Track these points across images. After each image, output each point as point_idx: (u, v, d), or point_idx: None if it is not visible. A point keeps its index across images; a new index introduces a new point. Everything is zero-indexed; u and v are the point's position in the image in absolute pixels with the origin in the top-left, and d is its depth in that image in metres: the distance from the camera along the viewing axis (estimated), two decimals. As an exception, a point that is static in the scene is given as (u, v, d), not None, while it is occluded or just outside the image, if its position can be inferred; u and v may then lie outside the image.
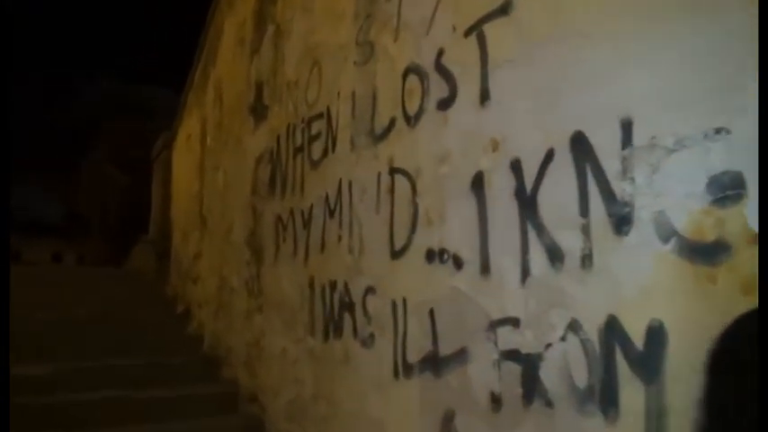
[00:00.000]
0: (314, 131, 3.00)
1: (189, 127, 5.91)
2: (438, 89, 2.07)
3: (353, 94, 2.65)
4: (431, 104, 2.10)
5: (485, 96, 1.83)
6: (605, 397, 1.33)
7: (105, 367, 3.78)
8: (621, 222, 1.33)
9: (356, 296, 2.44)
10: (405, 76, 2.27)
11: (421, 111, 2.15)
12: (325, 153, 2.87)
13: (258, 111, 3.82)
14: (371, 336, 2.30)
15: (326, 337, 2.66)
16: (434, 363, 1.92)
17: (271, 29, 3.80)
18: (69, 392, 3.46)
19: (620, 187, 1.35)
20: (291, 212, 3.18)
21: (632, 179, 1.32)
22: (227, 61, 4.77)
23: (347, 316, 2.50)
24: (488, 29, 1.86)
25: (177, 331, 4.75)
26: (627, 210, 1.32)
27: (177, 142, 6.49)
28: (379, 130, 2.42)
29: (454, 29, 2.01)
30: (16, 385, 3.42)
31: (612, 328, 1.33)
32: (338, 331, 2.56)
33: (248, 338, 3.57)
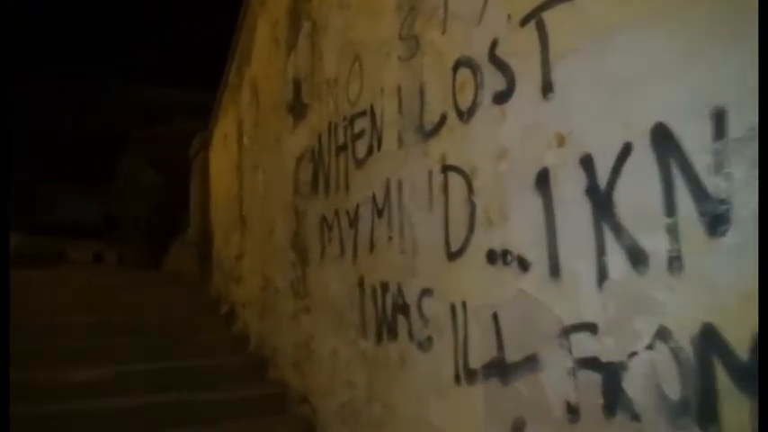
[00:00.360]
0: (357, 129, 2.94)
1: (225, 127, 5.91)
2: (493, 82, 1.97)
3: (399, 89, 2.57)
4: (486, 98, 2.01)
5: (547, 88, 1.73)
6: (703, 411, 1.23)
7: (152, 370, 3.81)
8: (717, 222, 1.23)
9: (411, 298, 2.37)
10: (455, 69, 2.18)
11: (475, 105, 2.06)
12: (370, 151, 2.80)
13: (297, 109, 3.77)
14: (429, 339, 2.23)
15: (380, 339, 2.61)
16: (501, 369, 1.84)
17: (306, 26, 3.74)
18: (117, 397, 3.49)
19: (713, 183, 1.24)
20: (336, 212, 3.13)
21: (728, 174, 1.21)
22: (261, 60, 4.74)
23: (401, 318, 2.44)
24: (548, 16, 1.75)
25: (222, 332, 4.78)
26: (723, 208, 1.22)
27: (214, 143, 6.51)
28: (428, 126, 2.34)
29: (509, 18, 1.91)
30: (65, 391, 3.49)
31: (709, 337, 1.23)
32: (392, 333, 2.50)
33: (296, 339, 3.54)
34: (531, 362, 1.72)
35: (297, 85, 3.81)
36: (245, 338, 4.45)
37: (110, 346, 4.11)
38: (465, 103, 2.11)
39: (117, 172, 19.96)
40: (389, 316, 2.54)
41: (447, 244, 2.17)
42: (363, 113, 2.87)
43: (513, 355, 1.80)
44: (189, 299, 5.68)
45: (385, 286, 2.59)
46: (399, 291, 2.47)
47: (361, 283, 2.81)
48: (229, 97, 5.72)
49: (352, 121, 3.00)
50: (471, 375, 1.97)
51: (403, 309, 2.43)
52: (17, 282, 5.81)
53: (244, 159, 5.02)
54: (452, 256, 2.14)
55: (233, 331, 4.72)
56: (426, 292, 2.28)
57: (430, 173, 2.29)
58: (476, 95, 2.06)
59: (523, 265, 1.79)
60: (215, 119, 6.36)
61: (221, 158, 6.09)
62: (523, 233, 1.81)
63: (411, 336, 2.36)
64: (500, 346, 1.85)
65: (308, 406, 3.30)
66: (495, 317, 1.88)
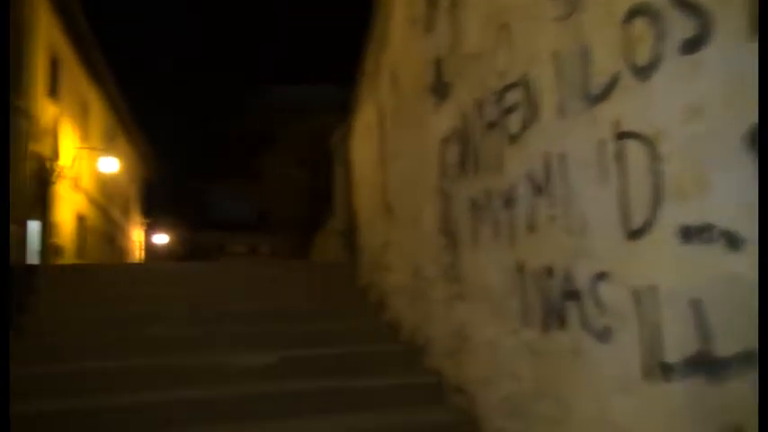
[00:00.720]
0: (508, 103, 2.73)
1: (365, 116, 5.96)
2: (680, 28, 1.68)
3: (556, 53, 2.33)
4: (671, 49, 1.72)
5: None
6: None
7: (312, 356, 3.92)
8: None
9: (582, 283, 2.14)
10: (627, 20, 1.90)
11: (657, 59, 1.77)
12: (525, 125, 2.58)
13: (439, 89, 3.64)
14: (607, 329, 1.99)
15: (546, 328, 2.40)
16: (708, 365, 1.56)
17: (444, 1, 3.58)
18: (281, 381, 3.63)
19: None
20: (488, 193, 2.95)
21: None
22: (398, 44, 4.67)
23: (572, 305, 2.21)
24: (756, -63, 1.43)
25: (373, 319, 4.82)
26: None
27: (354, 133, 6.62)
28: (596, 90, 2.08)
29: (699, -51, 1.61)
30: (233, 375, 3.70)
31: None
32: (561, 322, 2.28)
33: (450, 328, 3.43)
34: (750, 358, 1.43)
35: (438, 65, 3.67)
36: (396, 326, 4.45)
37: (272, 332, 4.32)
38: (643, 57, 1.83)
39: (265, 170, 21.44)
40: (556, 303, 2.32)
41: (625, 221, 1.91)
42: (515, 85, 2.66)
43: (724, 348, 1.51)
44: (338, 287, 5.83)
45: (549, 270, 2.38)
46: (567, 275, 2.24)
47: (520, 268, 2.62)
48: (368, 86, 5.75)
49: (501, 94, 2.79)
50: (667, 371, 1.71)
51: (573, 295, 2.20)
52: (188, 274, 6.37)
53: (386, 146, 5.01)
54: (633, 234, 1.87)
55: (384, 319, 4.75)
56: (601, 275, 2.03)
57: (600, 141, 2.04)
58: (657, 47, 1.77)
59: (733, 241, 1.49)
60: (354, 109, 6.45)
61: (363, 148, 6.16)
62: (731, 204, 1.51)
63: (585, 325, 2.12)
64: (705, 338, 1.57)
65: (466, 396, 3.18)
66: (695, 303, 1.60)
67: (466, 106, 3.24)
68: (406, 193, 4.44)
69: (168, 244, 23.82)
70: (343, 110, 7.14)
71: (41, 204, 9.97)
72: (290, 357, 3.86)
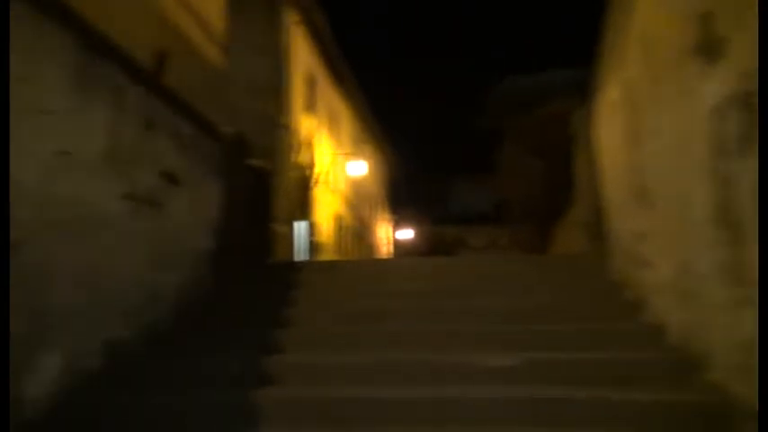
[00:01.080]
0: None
1: (608, 94, 5.35)
2: None
3: None
4: None
5: None
6: None
7: (559, 360, 3.60)
8: None
9: None
10: None
11: None
12: None
13: (709, 49, 2.99)
14: None
15: None
16: None
17: (711, -61, 2.93)
18: (524, 386, 3.39)
19: None
20: (789, 170, 2.29)
21: None
22: (647, 7, 4.04)
23: None
24: None
25: (629, 322, 4.25)
26: None
27: (596, 114, 6.01)
28: None
29: None
30: (478, 375, 3.57)
31: None
32: None
33: (738, 338, 2.79)
34: None
35: (705, 19, 3.03)
36: (658, 331, 3.84)
37: (514, 331, 4.11)
38: None
39: (501, 161, 21.27)
40: None
41: None
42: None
43: None
44: (587, 283, 5.33)
45: None
46: None
47: None
48: (609, 60, 5.14)
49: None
50: None
51: None
52: (430, 269, 6.49)
53: (637, 124, 4.39)
54: None
55: (643, 321, 4.15)
56: None
57: None
58: None
59: None
60: (594, 89, 5.85)
61: (609, 129, 5.55)
62: None
63: None
64: None
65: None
66: None
67: (749, 63, 2.58)
68: (664, 175, 3.81)
69: (412, 239, 25.24)
70: (580, 92, 6.60)
71: (305, 207, 11.32)
72: (535, 360, 3.60)
